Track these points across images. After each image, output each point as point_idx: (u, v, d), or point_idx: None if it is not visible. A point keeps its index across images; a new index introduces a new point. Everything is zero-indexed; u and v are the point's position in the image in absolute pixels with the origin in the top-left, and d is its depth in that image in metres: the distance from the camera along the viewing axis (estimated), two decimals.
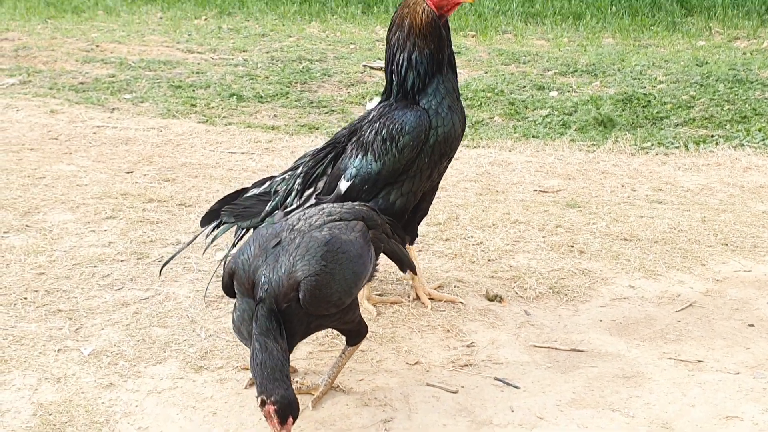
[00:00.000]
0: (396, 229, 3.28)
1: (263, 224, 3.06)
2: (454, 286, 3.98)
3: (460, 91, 8.29)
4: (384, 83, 3.68)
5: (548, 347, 3.47)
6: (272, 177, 3.84)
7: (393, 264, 4.16)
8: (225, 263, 2.86)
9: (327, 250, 2.79)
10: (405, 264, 3.29)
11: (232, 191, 3.95)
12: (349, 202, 3.17)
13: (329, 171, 3.70)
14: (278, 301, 2.71)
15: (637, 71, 8.77)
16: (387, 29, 3.64)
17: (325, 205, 3.09)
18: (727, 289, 4.01)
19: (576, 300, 3.88)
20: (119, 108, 7.52)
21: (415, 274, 3.67)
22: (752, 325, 3.67)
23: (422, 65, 3.51)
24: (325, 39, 10.91)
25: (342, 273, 2.79)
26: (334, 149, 3.73)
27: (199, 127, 6.86)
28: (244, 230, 3.75)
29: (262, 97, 8.10)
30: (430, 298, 3.82)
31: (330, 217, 2.95)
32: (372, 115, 3.66)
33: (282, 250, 2.80)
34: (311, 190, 3.72)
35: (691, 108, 7.48)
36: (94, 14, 12.74)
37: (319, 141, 6.51)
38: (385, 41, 3.64)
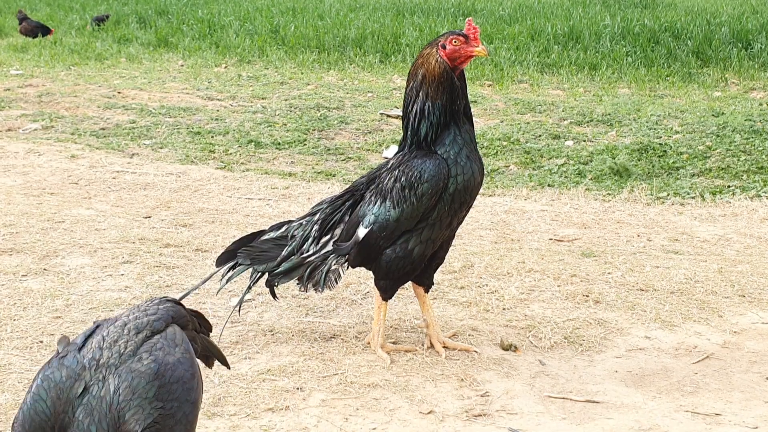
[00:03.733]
0: (201, 320, 2.66)
1: (48, 365, 2.25)
2: (469, 335, 3.96)
3: (477, 140, 8.37)
4: (401, 131, 3.73)
5: (563, 398, 3.44)
6: (290, 221, 3.88)
7: (408, 311, 4.20)
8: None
9: (159, 386, 2.17)
10: (221, 358, 2.71)
11: (249, 233, 3.97)
12: (152, 302, 2.46)
13: (347, 218, 3.73)
14: None
15: (653, 121, 8.80)
16: (405, 79, 3.69)
17: (125, 318, 2.35)
18: (744, 341, 3.97)
19: (591, 350, 3.85)
20: (139, 153, 7.62)
21: (228, 368, 2.86)
22: None
23: (434, 115, 3.55)
24: (342, 87, 11.05)
25: (181, 408, 2.21)
26: (353, 197, 3.77)
27: (217, 173, 6.93)
28: (260, 274, 3.78)
29: (279, 143, 8.18)
30: (444, 347, 3.80)
31: (140, 335, 2.28)
32: (391, 163, 3.70)
33: (93, 398, 2.15)
34: (328, 236, 3.75)
35: (707, 158, 7.48)
36: (117, 61, 12.99)
37: (335, 188, 6.56)
38: (402, 91, 3.69)
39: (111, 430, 2.13)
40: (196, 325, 2.58)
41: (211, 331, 2.71)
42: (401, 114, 3.70)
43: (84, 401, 2.14)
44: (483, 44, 3.60)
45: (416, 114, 3.58)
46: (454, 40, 3.56)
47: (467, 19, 3.73)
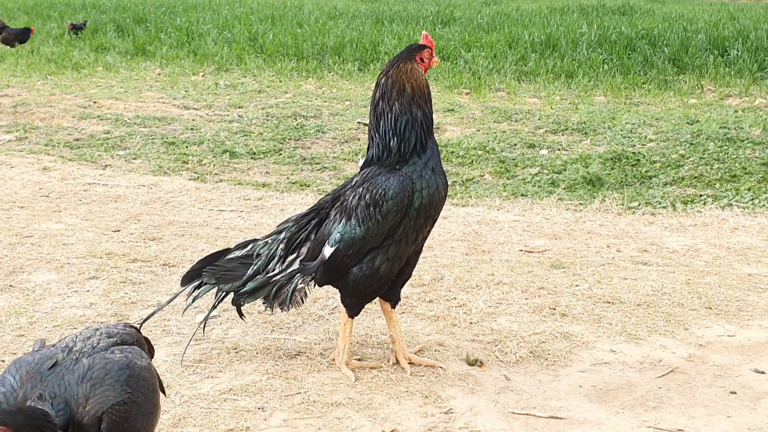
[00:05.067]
0: (149, 345, 2.75)
1: (23, 355, 2.42)
2: (435, 350, 3.95)
3: (453, 149, 8.24)
4: (376, 148, 3.67)
5: (527, 414, 3.43)
6: (255, 239, 3.86)
7: (376, 327, 4.18)
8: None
9: (129, 375, 2.32)
10: (159, 383, 2.67)
11: (215, 251, 3.95)
12: (119, 324, 2.62)
13: (313, 237, 3.72)
14: (73, 425, 2.23)
15: (628, 129, 8.84)
16: (380, 96, 3.63)
17: (97, 326, 2.56)
18: (709, 354, 3.98)
19: (556, 364, 3.85)
20: (111, 165, 7.57)
21: (164, 395, 2.78)
22: (734, 393, 3.63)
23: (425, 123, 3.59)
24: (320, 95, 11.04)
25: (146, 404, 2.35)
26: (318, 215, 3.75)
27: (190, 185, 6.89)
28: (225, 293, 3.75)
29: (254, 153, 8.15)
30: (410, 363, 3.79)
31: (111, 339, 2.47)
32: (355, 180, 3.69)
33: (65, 370, 2.28)
34: (294, 255, 3.73)
35: (681, 167, 7.52)
36: (94, 70, 12.92)
37: (309, 198, 6.54)
38: (377, 106, 3.63)
39: (80, 396, 2.24)
40: (147, 350, 2.66)
41: (153, 357, 2.77)
42: (376, 131, 3.63)
43: (55, 371, 2.27)
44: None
45: (407, 125, 3.55)
46: (427, 54, 3.65)
47: (423, 32, 3.79)
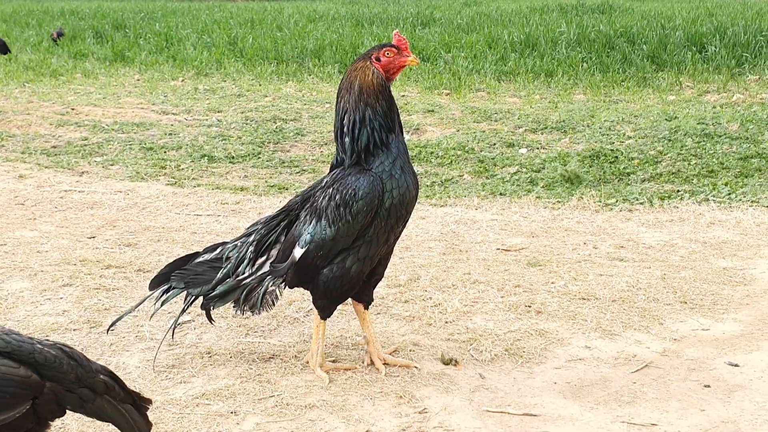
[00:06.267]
0: (122, 384, 2.55)
1: None
2: (410, 350, 3.94)
3: (432, 150, 8.23)
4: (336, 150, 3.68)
5: (501, 412, 3.42)
6: (224, 243, 3.83)
7: (351, 328, 4.17)
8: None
9: None
10: (124, 430, 2.53)
11: (184, 254, 3.92)
12: (50, 340, 2.50)
13: (282, 239, 3.69)
14: None
15: (606, 127, 8.86)
16: (336, 96, 3.65)
17: (8, 329, 2.46)
18: (684, 348, 3.98)
19: (531, 362, 3.84)
20: (88, 171, 7.52)
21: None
22: (708, 386, 3.64)
23: (377, 121, 3.54)
24: (300, 98, 11.01)
25: None
26: (287, 217, 3.73)
27: (167, 190, 6.86)
28: (194, 297, 3.73)
29: (233, 157, 8.12)
30: (384, 364, 3.77)
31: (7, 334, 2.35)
32: (325, 181, 3.67)
33: None
34: (264, 257, 3.71)
35: (658, 163, 7.54)
36: (72, 77, 12.85)
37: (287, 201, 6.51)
38: (335, 105, 3.66)
39: None
40: (98, 386, 2.47)
41: (133, 402, 2.58)
42: (336, 132, 3.64)
43: None
44: (413, 54, 3.65)
45: (355, 123, 3.53)
46: (387, 52, 3.60)
47: (394, 31, 3.76)
